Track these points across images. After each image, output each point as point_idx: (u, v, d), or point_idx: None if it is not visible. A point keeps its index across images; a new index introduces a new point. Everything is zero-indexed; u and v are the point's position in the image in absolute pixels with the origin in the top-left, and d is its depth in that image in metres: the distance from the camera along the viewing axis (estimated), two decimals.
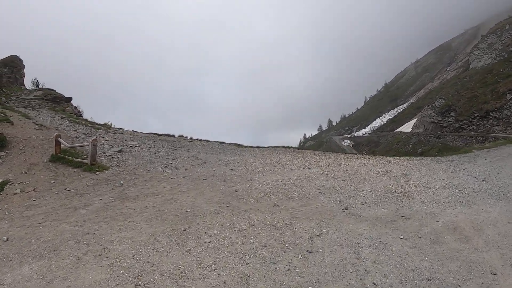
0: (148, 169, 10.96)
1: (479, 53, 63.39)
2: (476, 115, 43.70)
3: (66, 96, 26.46)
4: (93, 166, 10.39)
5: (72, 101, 26.63)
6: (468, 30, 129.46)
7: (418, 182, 10.02)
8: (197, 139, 17.90)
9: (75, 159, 10.95)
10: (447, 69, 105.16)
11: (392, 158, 15.46)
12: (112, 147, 13.22)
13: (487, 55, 60.94)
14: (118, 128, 18.12)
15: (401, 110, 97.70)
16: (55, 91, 27.24)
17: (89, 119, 27.07)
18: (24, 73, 32.73)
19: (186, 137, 17.96)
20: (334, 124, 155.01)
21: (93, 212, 7.19)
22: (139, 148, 13.80)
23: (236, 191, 8.86)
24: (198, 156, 13.41)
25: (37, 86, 33.01)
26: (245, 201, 8.06)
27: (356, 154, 16.42)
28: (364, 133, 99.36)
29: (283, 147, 17.58)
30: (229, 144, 17.52)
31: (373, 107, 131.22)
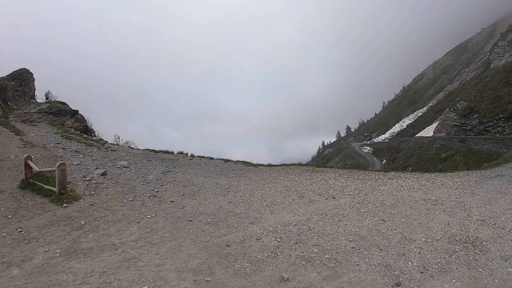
0: (125, 201, 9.35)
1: (499, 51, 61.45)
2: (501, 116, 42.13)
3: (73, 109, 26.50)
4: (62, 196, 8.97)
5: (81, 113, 26.68)
6: (485, 29, 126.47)
7: (482, 218, 8.07)
8: (198, 157, 16.58)
9: (45, 186, 9.50)
10: (466, 70, 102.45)
11: (432, 175, 14.03)
12: (96, 168, 12.08)
13: (508, 53, 59.00)
14: (113, 144, 17.38)
15: (421, 114, 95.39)
16: (65, 104, 27.33)
17: (96, 132, 27.26)
18: (34, 86, 33.04)
19: (186, 154, 16.74)
20: (352, 130, 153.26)
21: (24, 276, 5.42)
22: (128, 169, 12.59)
23: (228, 245, 6.50)
24: (193, 181, 11.86)
25: (47, 98, 33.22)
26: (237, 268, 5.58)
27: (388, 172, 15.06)
28: (383, 139, 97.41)
29: (300, 165, 16.01)
30: (235, 162, 15.98)
31: (392, 111, 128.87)
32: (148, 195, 9.97)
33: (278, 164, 16.53)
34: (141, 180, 11.52)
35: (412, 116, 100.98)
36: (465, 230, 7.25)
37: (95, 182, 10.67)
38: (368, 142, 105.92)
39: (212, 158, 16.46)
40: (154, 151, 16.61)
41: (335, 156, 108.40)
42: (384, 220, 7.94)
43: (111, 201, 9.29)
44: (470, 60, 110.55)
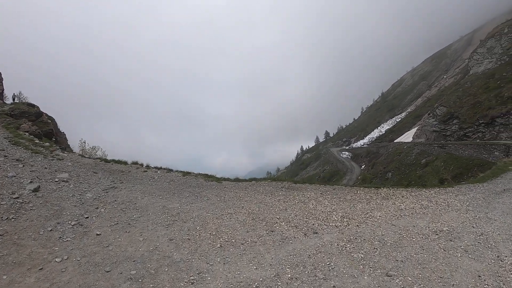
0: (43, 231, 7.51)
1: (478, 58, 61.66)
2: (481, 122, 41.36)
3: (43, 111, 24.41)
4: None
5: (57, 115, 25.37)
6: (463, 36, 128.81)
7: None
8: (155, 168, 14.33)
9: None
10: (445, 76, 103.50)
11: (432, 191, 11.84)
12: (30, 182, 10.18)
13: (487, 60, 59.17)
14: (63, 153, 14.94)
15: (399, 119, 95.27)
16: (33, 106, 25.00)
17: (66, 136, 24.69)
18: (2, 86, 30.29)
19: (141, 165, 14.51)
20: (331, 135, 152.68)
21: None
22: (66, 184, 10.61)
23: None
24: (136, 202, 9.81)
25: (14, 100, 30.68)
26: None
27: (380, 188, 12.68)
28: (362, 144, 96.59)
29: (273, 180, 13.45)
30: (196, 176, 13.57)
31: (371, 117, 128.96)
32: (74, 222, 8.08)
33: (246, 179, 13.97)
34: (76, 199, 9.65)
35: (390, 122, 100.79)
36: (504, 286, 5.09)
37: (21, 201, 8.82)
38: (347, 147, 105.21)
39: (170, 170, 14.27)
40: (105, 160, 14.65)
41: (313, 161, 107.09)
42: (391, 276, 5.38)
43: (27, 230, 7.47)
44: (448, 66, 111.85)
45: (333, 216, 8.94)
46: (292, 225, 8.27)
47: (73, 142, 24.49)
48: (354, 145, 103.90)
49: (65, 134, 25.42)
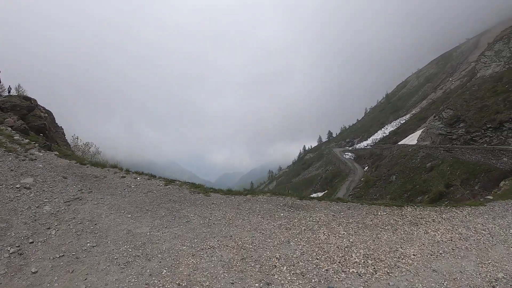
0: None
1: (486, 61, 60.82)
2: (488, 126, 40.53)
3: (33, 104, 23.29)
4: None
5: (58, 110, 24.35)
6: (470, 39, 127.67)
7: None
8: (135, 173, 12.56)
9: None
10: (450, 79, 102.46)
11: (464, 212, 10.23)
12: None
13: (495, 63, 58.31)
14: (39, 152, 13.57)
15: (404, 121, 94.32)
16: (29, 99, 24.40)
17: (64, 131, 24.16)
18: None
19: (121, 169, 12.68)
20: (334, 135, 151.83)
21: None
22: (26, 192, 9.24)
23: None
24: (98, 222, 8.13)
25: (9, 92, 30.25)
26: None
27: (403, 207, 10.93)
28: (365, 145, 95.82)
29: (273, 194, 11.29)
30: (180, 185, 11.45)
31: (374, 118, 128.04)
32: (14, 250, 6.54)
33: (241, 190, 12.03)
34: (30, 213, 8.14)
35: (395, 123, 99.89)
36: None
37: None
38: (350, 148, 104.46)
39: (153, 177, 12.38)
40: (81, 162, 13.06)
41: (316, 162, 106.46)
42: None
43: None
44: (454, 69, 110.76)
45: (353, 255, 6.99)
46: (298, 271, 6.24)
47: (69, 139, 23.88)
48: (357, 146, 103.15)
49: (62, 129, 24.81)
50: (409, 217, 9.90)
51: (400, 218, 9.74)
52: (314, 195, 72.34)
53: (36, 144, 14.38)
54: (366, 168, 72.52)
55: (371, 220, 9.35)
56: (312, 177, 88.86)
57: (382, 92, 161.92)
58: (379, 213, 10.07)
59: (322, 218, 9.22)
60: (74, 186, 10.31)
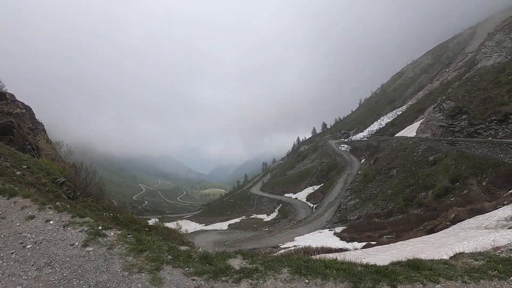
0: None
1: (487, 51, 59.56)
2: (493, 118, 39.20)
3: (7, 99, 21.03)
4: None
5: (42, 107, 22.45)
6: (466, 30, 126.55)
7: None
8: (55, 208, 7.19)
9: None
10: (447, 70, 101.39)
11: None
12: None
13: (496, 53, 57.10)
14: None
15: (400, 112, 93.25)
16: (5, 94, 21.95)
17: (44, 127, 22.16)
18: None
19: (35, 200, 7.46)
20: (328, 127, 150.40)
21: None
22: None
23: None
24: None
25: None
26: None
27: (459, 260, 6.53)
28: (362, 137, 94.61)
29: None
30: (111, 245, 5.80)
31: (370, 109, 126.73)
32: None
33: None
34: None
35: (391, 115, 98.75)
36: None
37: None
38: (346, 140, 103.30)
39: (81, 217, 7.11)
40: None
41: (311, 154, 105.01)
42: None
43: None
44: (450, 60, 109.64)
45: None
46: None
47: (61, 132, 21.73)
48: (353, 138, 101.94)
49: (43, 125, 22.72)
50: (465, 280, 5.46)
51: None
52: (310, 188, 70.85)
53: None
54: (363, 160, 71.29)
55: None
56: (307, 170, 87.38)
57: (377, 83, 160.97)
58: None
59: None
60: None
